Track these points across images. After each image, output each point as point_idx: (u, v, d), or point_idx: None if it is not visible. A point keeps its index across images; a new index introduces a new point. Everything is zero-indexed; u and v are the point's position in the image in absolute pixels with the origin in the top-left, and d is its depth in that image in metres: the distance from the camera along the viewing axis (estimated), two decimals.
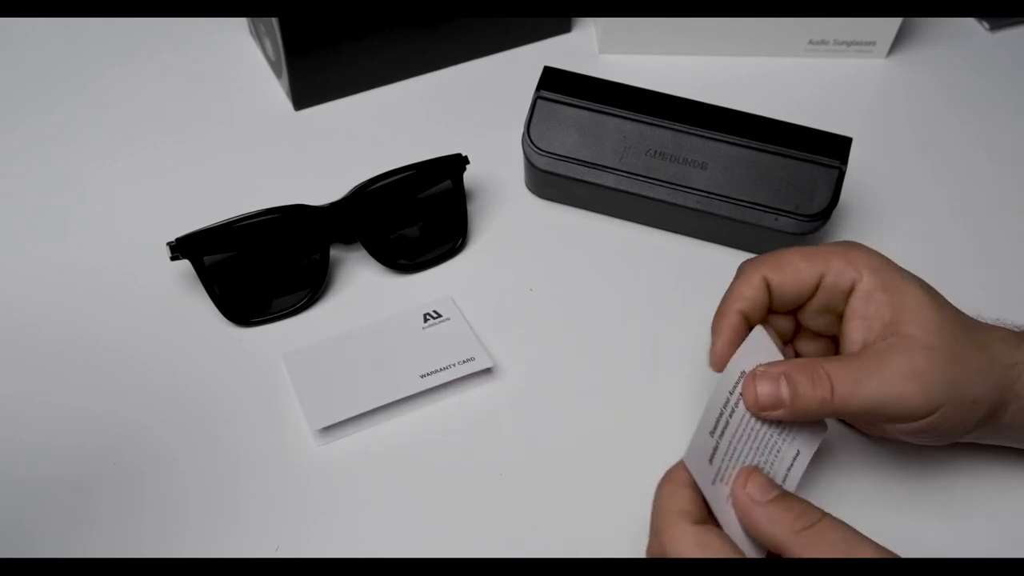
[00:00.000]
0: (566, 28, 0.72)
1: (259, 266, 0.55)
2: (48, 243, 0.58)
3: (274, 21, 0.61)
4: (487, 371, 0.52)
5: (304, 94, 0.66)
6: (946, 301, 0.44)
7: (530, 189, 0.62)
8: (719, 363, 0.44)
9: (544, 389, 0.52)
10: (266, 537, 0.46)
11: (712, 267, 0.57)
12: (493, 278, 0.57)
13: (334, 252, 0.57)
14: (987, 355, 0.43)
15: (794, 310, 0.47)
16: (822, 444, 0.44)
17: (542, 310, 0.56)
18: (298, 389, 0.51)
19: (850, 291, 0.44)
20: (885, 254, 0.47)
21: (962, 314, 0.44)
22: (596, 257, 0.59)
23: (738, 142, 0.56)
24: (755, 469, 0.41)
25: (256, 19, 0.67)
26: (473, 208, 0.61)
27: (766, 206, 0.55)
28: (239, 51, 0.70)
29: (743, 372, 0.43)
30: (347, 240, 0.57)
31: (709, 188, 0.56)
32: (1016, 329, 0.45)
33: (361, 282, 0.57)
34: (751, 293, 0.44)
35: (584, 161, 0.57)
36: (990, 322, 0.46)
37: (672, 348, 0.54)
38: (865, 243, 0.47)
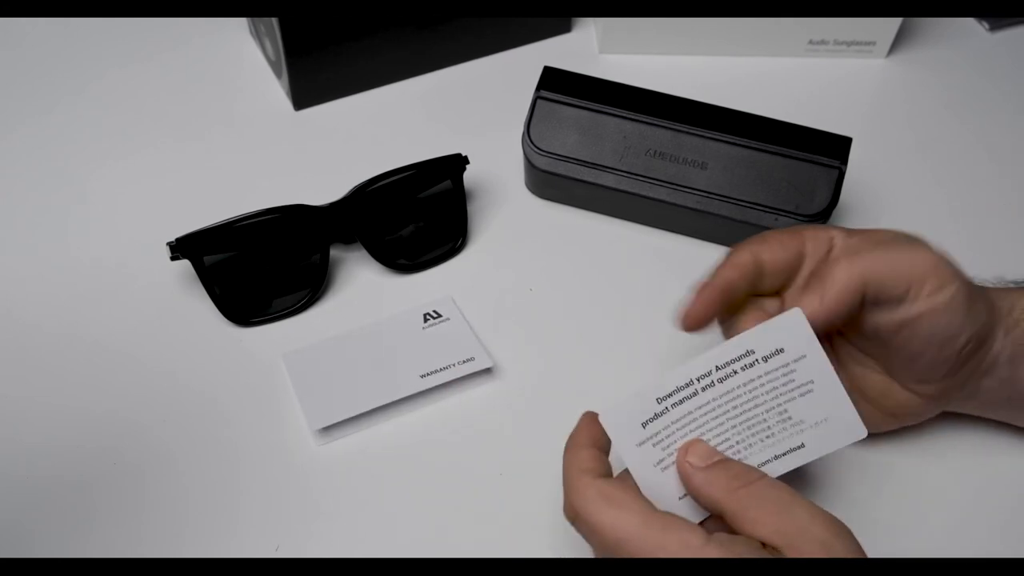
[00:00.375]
0: (566, 28, 0.72)
1: (259, 266, 0.55)
2: (48, 243, 0.58)
3: (274, 21, 0.61)
4: (487, 371, 0.52)
5: (304, 94, 0.66)
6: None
7: (530, 189, 0.62)
8: (690, 321, 0.44)
9: (544, 389, 0.52)
10: (266, 537, 0.46)
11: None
12: (493, 278, 0.57)
13: (334, 252, 0.57)
14: (987, 298, 0.44)
15: (779, 291, 0.47)
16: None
17: (542, 310, 0.56)
18: (298, 389, 0.51)
19: (828, 251, 0.45)
20: None
21: None
22: (596, 257, 0.59)
23: (738, 142, 0.56)
24: (698, 440, 0.41)
25: (256, 19, 0.67)
26: (473, 208, 0.61)
27: (766, 206, 0.55)
28: (239, 51, 0.70)
29: (751, 351, 0.41)
30: (347, 240, 0.57)
31: (709, 188, 0.56)
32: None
33: (361, 282, 0.57)
34: (743, 260, 0.44)
35: (584, 161, 0.57)
36: None
37: (672, 348, 0.54)
38: None
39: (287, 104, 0.66)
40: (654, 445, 0.41)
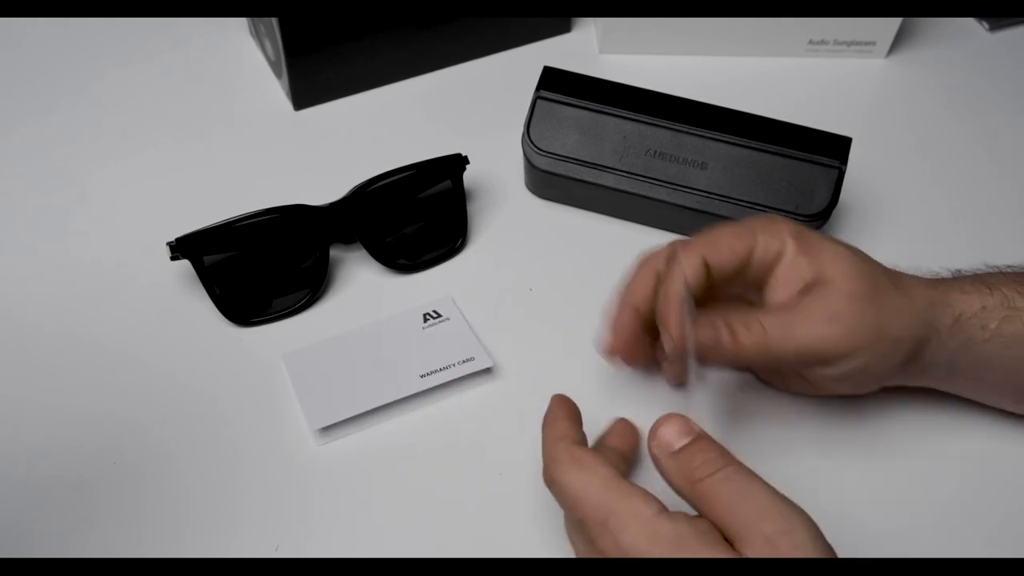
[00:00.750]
0: (566, 28, 0.72)
1: (259, 266, 0.55)
2: (48, 243, 0.58)
3: (274, 21, 0.61)
4: (487, 371, 0.52)
5: (304, 94, 0.66)
6: (866, 255, 0.46)
7: (530, 189, 0.62)
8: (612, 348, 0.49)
9: (544, 389, 0.52)
10: (266, 537, 0.46)
11: None
12: (493, 278, 0.57)
13: (334, 252, 0.57)
14: (907, 298, 0.45)
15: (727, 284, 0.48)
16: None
17: (542, 310, 0.56)
18: (298, 389, 0.51)
19: (775, 261, 0.46)
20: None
21: (882, 265, 0.47)
22: (596, 257, 0.58)
23: (738, 142, 0.56)
24: (671, 416, 0.41)
25: (256, 19, 0.67)
26: (473, 208, 0.61)
27: (766, 206, 0.55)
28: (239, 51, 0.70)
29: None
30: (347, 240, 0.57)
31: (709, 188, 0.56)
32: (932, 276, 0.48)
33: (361, 282, 0.57)
34: (693, 273, 0.46)
35: (584, 161, 0.57)
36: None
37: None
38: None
39: (287, 104, 0.66)
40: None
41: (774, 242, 0.46)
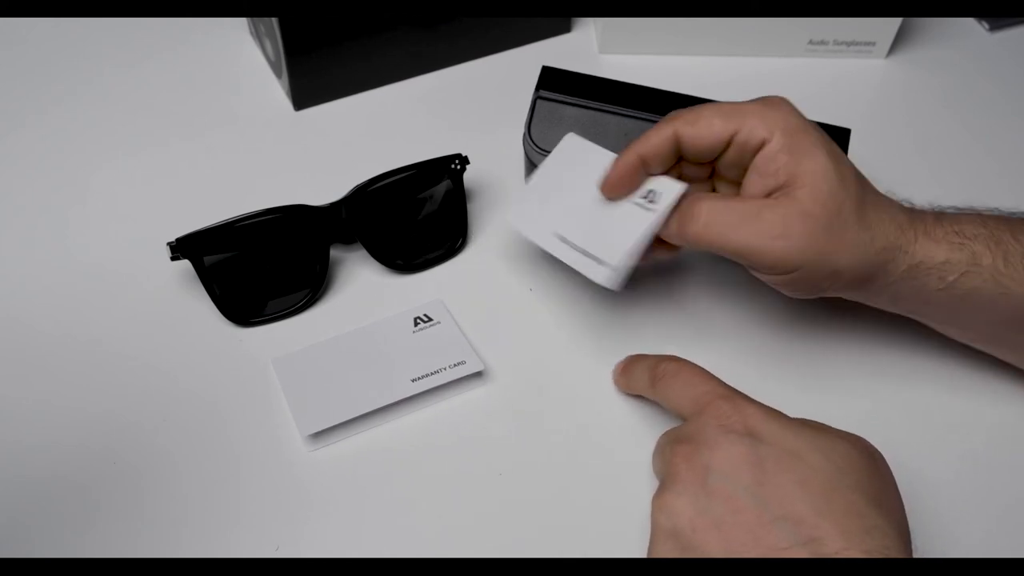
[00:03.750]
0: (566, 28, 0.72)
1: (259, 266, 0.55)
2: (48, 243, 0.58)
3: (274, 21, 0.61)
4: (479, 374, 0.52)
5: (304, 94, 0.66)
6: (851, 172, 0.46)
7: None
8: (609, 189, 0.48)
9: (545, 389, 0.52)
10: (265, 538, 0.46)
11: None
12: (493, 278, 0.57)
13: (334, 252, 0.57)
14: (869, 234, 0.45)
15: (711, 160, 0.48)
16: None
17: (542, 310, 0.56)
18: (288, 394, 0.50)
19: (759, 148, 0.46)
20: None
21: (865, 188, 0.46)
22: None
23: None
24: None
25: (256, 19, 0.67)
26: (473, 208, 0.60)
27: None
28: (239, 51, 0.70)
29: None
30: (347, 240, 0.57)
31: None
32: (917, 208, 0.48)
33: (361, 282, 0.57)
34: (656, 141, 0.47)
35: None
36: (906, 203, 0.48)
37: (670, 349, 0.54)
38: None
39: (287, 104, 0.66)
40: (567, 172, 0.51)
41: (761, 130, 0.46)
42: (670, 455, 0.42)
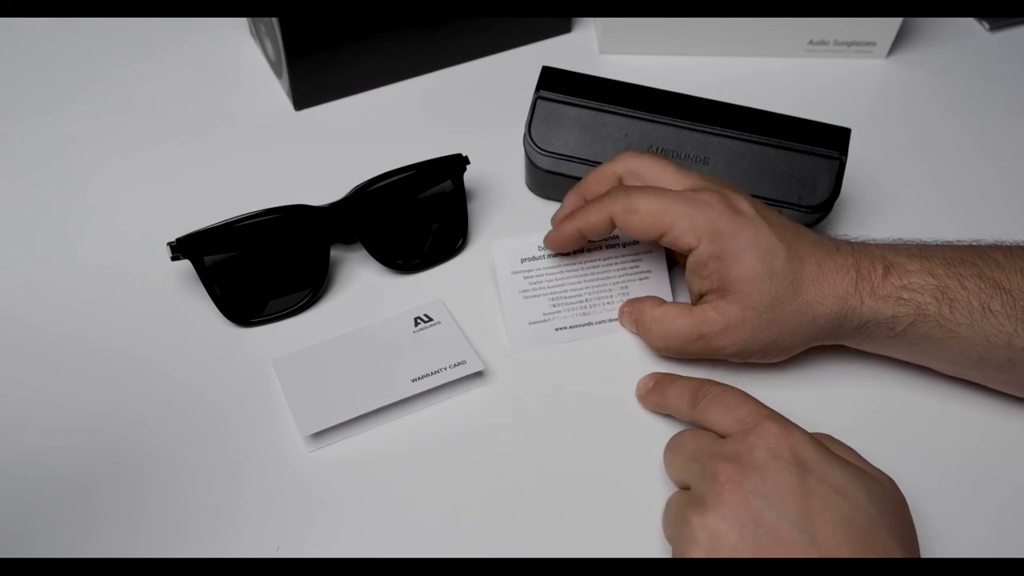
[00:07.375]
0: (566, 28, 0.72)
1: (259, 266, 0.55)
2: (48, 243, 0.58)
3: (274, 21, 0.61)
4: (479, 374, 0.52)
5: (304, 94, 0.66)
6: (783, 262, 0.48)
7: (531, 189, 0.62)
8: (549, 247, 0.53)
9: (543, 389, 0.52)
10: (266, 538, 0.46)
11: None
12: (494, 278, 0.57)
13: (334, 252, 0.57)
14: (809, 315, 0.48)
15: None
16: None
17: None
18: (288, 394, 0.50)
19: (689, 251, 0.49)
20: None
21: (803, 268, 0.48)
22: None
23: (739, 136, 0.56)
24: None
25: (256, 19, 0.67)
26: (473, 208, 0.60)
27: (769, 199, 0.55)
28: (239, 51, 0.70)
29: (616, 236, 0.54)
30: (347, 240, 0.57)
31: None
32: (866, 259, 0.49)
33: (362, 282, 0.57)
34: (595, 220, 0.50)
35: (587, 160, 0.57)
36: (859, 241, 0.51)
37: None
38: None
39: (287, 104, 0.66)
40: (524, 277, 0.54)
41: (688, 236, 0.48)
42: (712, 471, 0.42)
